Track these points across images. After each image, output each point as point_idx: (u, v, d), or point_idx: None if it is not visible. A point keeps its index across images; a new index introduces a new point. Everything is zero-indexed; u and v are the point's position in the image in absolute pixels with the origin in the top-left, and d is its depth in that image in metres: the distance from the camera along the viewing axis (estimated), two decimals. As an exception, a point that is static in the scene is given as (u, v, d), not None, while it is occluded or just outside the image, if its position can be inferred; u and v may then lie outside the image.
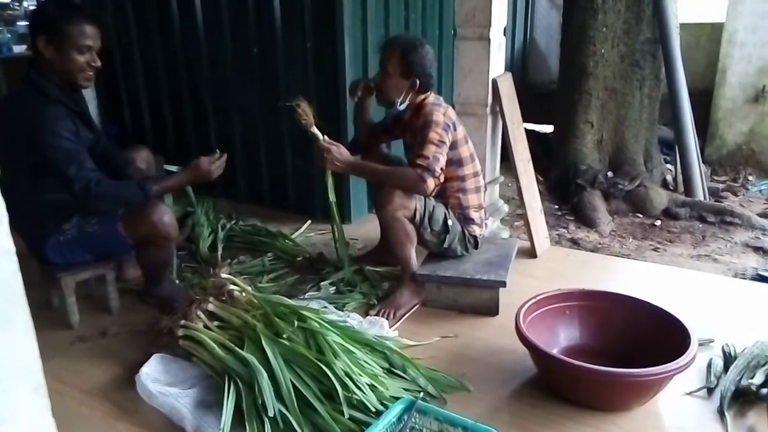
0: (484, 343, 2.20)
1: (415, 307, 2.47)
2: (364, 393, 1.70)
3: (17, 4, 6.82)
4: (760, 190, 5.31)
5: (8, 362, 0.82)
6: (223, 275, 2.13)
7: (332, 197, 2.55)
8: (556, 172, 5.13)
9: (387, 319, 2.31)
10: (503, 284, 2.36)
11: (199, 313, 1.99)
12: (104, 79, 4.29)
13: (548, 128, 5.94)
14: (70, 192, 2.10)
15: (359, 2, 3.21)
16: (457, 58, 3.08)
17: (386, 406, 1.67)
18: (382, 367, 1.88)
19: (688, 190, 4.88)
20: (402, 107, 2.47)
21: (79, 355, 2.18)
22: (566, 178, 4.93)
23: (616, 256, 3.74)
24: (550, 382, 1.90)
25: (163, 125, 4.20)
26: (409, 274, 2.44)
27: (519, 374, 1.98)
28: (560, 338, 2.07)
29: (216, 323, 1.99)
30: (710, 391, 1.87)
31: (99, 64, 2.19)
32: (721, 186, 5.35)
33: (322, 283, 2.60)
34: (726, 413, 1.74)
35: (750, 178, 5.61)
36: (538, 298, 2.06)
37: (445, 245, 2.47)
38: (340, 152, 2.37)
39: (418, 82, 2.39)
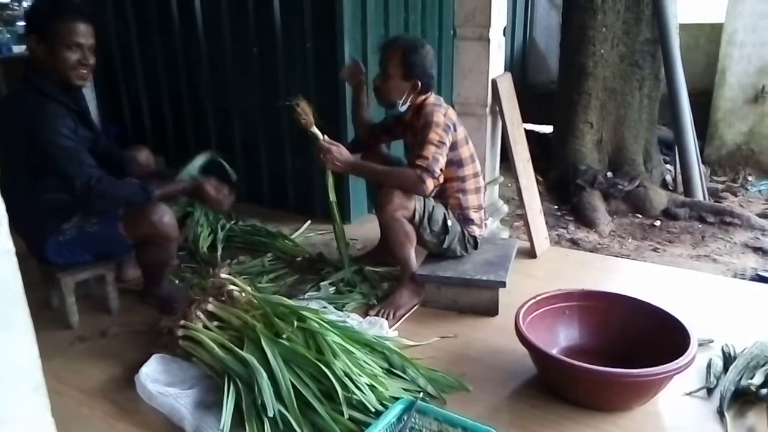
0: (484, 343, 2.20)
1: (415, 308, 2.47)
2: (364, 393, 1.70)
3: (17, 4, 6.81)
4: (760, 191, 5.31)
5: (8, 362, 0.82)
6: (223, 275, 2.13)
7: (332, 197, 2.55)
8: (556, 173, 5.13)
9: (387, 319, 2.31)
10: (503, 284, 2.36)
11: (199, 313, 1.99)
12: (104, 80, 4.30)
13: (548, 128, 5.94)
14: (70, 190, 2.09)
15: (359, 3, 3.21)
16: (457, 58, 3.08)
17: (386, 407, 1.67)
18: (381, 368, 1.88)
19: (688, 190, 4.89)
20: (403, 108, 2.47)
21: (78, 355, 2.18)
22: (566, 179, 4.93)
23: (616, 256, 3.75)
24: (549, 383, 1.90)
25: (163, 125, 4.20)
26: (408, 275, 2.45)
27: (518, 374, 1.98)
28: (560, 338, 2.07)
29: (216, 323, 1.99)
30: (710, 391, 1.87)
31: (92, 61, 2.17)
32: (720, 186, 5.35)
33: (322, 284, 2.60)
34: (726, 413, 1.75)
35: (749, 178, 5.61)
36: (538, 298, 2.06)
37: (445, 246, 2.48)
38: (340, 152, 2.37)
39: (419, 83, 2.39)
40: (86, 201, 2.12)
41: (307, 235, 3.30)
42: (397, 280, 2.53)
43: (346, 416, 1.65)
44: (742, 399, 1.81)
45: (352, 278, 2.63)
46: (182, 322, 1.98)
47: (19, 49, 5.66)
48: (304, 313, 1.96)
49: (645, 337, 1.94)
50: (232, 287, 2.07)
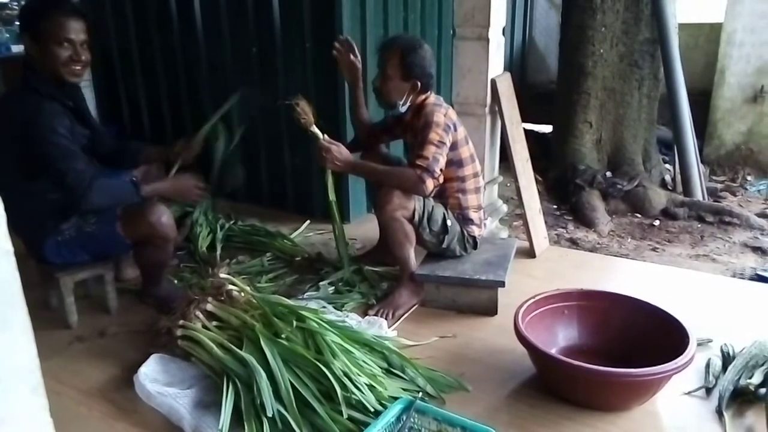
0: (483, 343, 2.20)
1: (414, 307, 2.47)
2: (363, 393, 1.70)
3: (15, 3, 6.80)
4: (759, 190, 5.31)
5: (7, 362, 0.82)
6: (222, 275, 2.12)
7: (332, 196, 2.55)
8: (555, 172, 5.14)
9: (386, 319, 2.31)
10: (502, 284, 2.36)
11: (198, 313, 1.99)
12: (103, 79, 4.30)
13: (547, 128, 5.95)
14: (62, 188, 2.09)
15: (358, 2, 3.21)
16: (456, 58, 3.08)
17: (385, 406, 1.67)
18: (380, 367, 1.88)
19: (687, 190, 4.89)
20: (403, 109, 2.47)
21: (77, 355, 2.17)
22: (565, 178, 4.94)
23: (615, 256, 3.75)
24: (548, 382, 1.90)
25: (162, 125, 4.19)
26: (407, 274, 2.44)
27: (518, 374, 1.98)
28: (559, 338, 2.07)
29: (214, 323, 1.99)
30: (709, 391, 1.87)
31: (84, 57, 2.15)
32: (719, 186, 5.36)
33: (321, 283, 2.59)
34: (724, 413, 1.75)
35: (748, 178, 5.62)
36: (537, 298, 2.06)
37: (444, 245, 2.48)
38: (340, 151, 2.37)
39: (418, 83, 2.39)
40: (77, 199, 2.11)
41: (306, 234, 3.30)
42: (397, 280, 2.53)
43: (345, 416, 1.65)
44: (741, 399, 1.81)
45: (351, 278, 2.63)
46: (181, 321, 1.98)
47: (17, 48, 5.66)
48: (303, 312, 1.96)
49: (644, 337, 1.94)
50: (231, 287, 2.07)
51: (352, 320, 2.27)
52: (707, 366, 1.96)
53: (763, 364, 1.91)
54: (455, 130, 2.41)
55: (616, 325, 2.03)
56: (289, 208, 3.71)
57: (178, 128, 4.12)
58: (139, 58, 4.16)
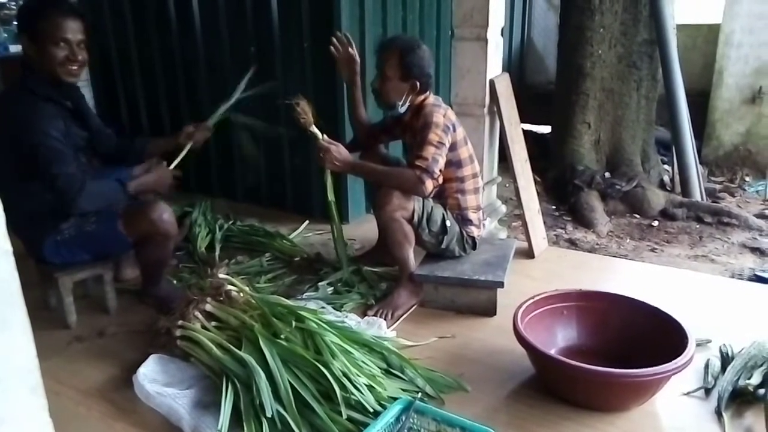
0: (482, 343, 2.20)
1: (413, 308, 2.47)
2: (362, 393, 1.70)
3: (13, 3, 6.80)
4: (757, 191, 5.32)
5: (6, 362, 0.82)
6: (221, 275, 2.12)
7: (331, 197, 2.55)
8: (554, 173, 5.14)
9: (385, 319, 2.31)
10: (501, 285, 2.36)
11: (197, 313, 1.99)
12: (102, 79, 4.30)
13: (546, 129, 5.95)
14: (53, 191, 2.08)
15: (357, 2, 3.21)
16: (455, 58, 3.08)
17: (384, 407, 1.67)
18: (380, 368, 1.88)
19: (685, 190, 4.90)
20: (403, 109, 2.47)
21: (76, 355, 2.17)
22: (564, 179, 4.94)
23: (614, 256, 3.75)
24: (547, 383, 1.90)
25: (161, 125, 4.19)
26: (407, 275, 2.44)
27: (517, 375, 1.98)
28: (558, 339, 2.07)
29: (214, 323, 1.99)
30: (708, 391, 1.87)
31: (81, 57, 2.15)
32: (718, 187, 5.36)
33: (320, 284, 2.59)
34: (723, 414, 1.75)
35: (747, 178, 5.63)
36: (536, 298, 2.06)
37: (443, 246, 2.48)
38: (339, 151, 2.37)
39: (417, 83, 2.39)
40: (68, 203, 2.10)
41: (305, 235, 3.29)
42: (396, 281, 2.52)
43: (345, 416, 1.64)
44: (740, 399, 1.81)
45: (351, 278, 2.63)
46: (180, 322, 1.97)
47: (15, 48, 5.65)
48: (303, 313, 1.96)
49: (643, 338, 1.94)
50: (230, 287, 2.07)
51: (351, 320, 2.27)
52: (706, 366, 1.96)
53: (762, 365, 1.91)
54: (454, 130, 2.41)
55: (615, 326, 2.03)
56: (288, 208, 3.71)
57: (176, 128, 4.09)
58: (137, 58, 4.16)
